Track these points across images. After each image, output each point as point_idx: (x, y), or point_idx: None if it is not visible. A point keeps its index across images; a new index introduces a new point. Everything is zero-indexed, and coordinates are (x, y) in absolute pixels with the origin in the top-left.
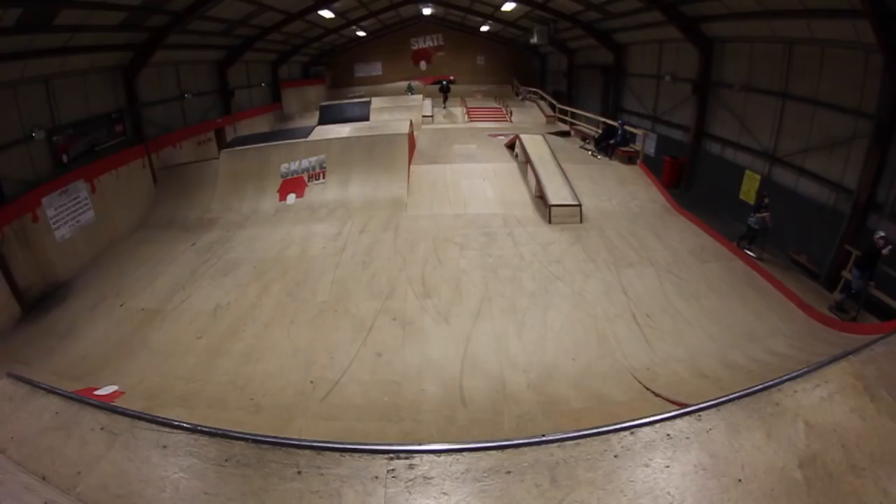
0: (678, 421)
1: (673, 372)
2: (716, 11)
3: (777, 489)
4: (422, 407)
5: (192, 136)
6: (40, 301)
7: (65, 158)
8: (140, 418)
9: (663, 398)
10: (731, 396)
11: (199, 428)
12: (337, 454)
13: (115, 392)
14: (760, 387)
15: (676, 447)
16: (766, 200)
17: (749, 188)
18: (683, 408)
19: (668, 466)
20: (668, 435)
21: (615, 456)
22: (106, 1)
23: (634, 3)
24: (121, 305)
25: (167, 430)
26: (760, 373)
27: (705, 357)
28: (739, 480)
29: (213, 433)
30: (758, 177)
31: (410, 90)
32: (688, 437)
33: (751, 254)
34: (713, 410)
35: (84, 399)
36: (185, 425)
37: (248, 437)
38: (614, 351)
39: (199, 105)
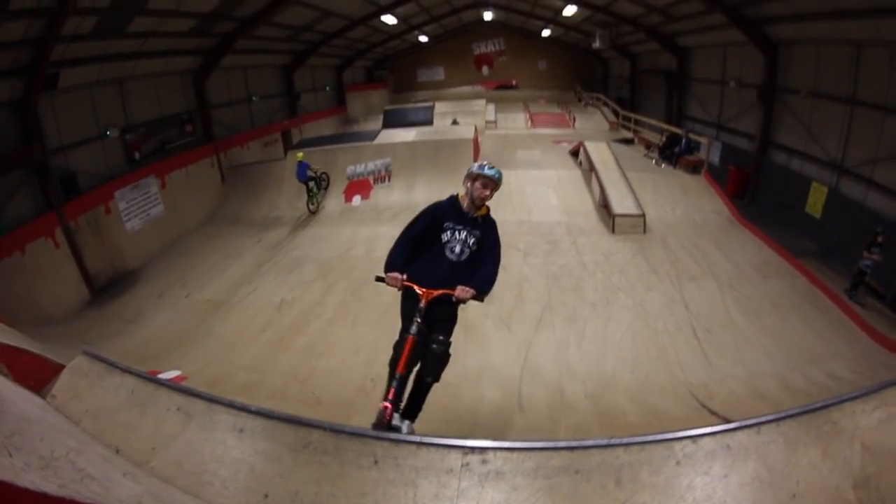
0: (738, 433)
1: (730, 390)
2: (780, 13)
3: None
4: (480, 410)
5: (259, 138)
6: (109, 287)
7: (137, 155)
8: (217, 402)
9: (720, 417)
10: (791, 412)
11: (276, 414)
12: (413, 446)
13: (177, 376)
14: (820, 405)
15: (735, 458)
16: (880, 239)
17: (815, 201)
18: None
19: (726, 476)
20: (728, 446)
21: (677, 463)
22: (177, 9)
23: (697, 6)
24: (186, 296)
25: (245, 414)
26: (819, 397)
27: (764, 377)
28: (794, 496)
29: (291, 420)
30: (825, 189)
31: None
32: (746, 450)
33: (861, 304)
34: (772, 425)
35: (160, 380)
36: (263, 411)
37: (326, 426)
38: (673, 365)
39: (265, 107)
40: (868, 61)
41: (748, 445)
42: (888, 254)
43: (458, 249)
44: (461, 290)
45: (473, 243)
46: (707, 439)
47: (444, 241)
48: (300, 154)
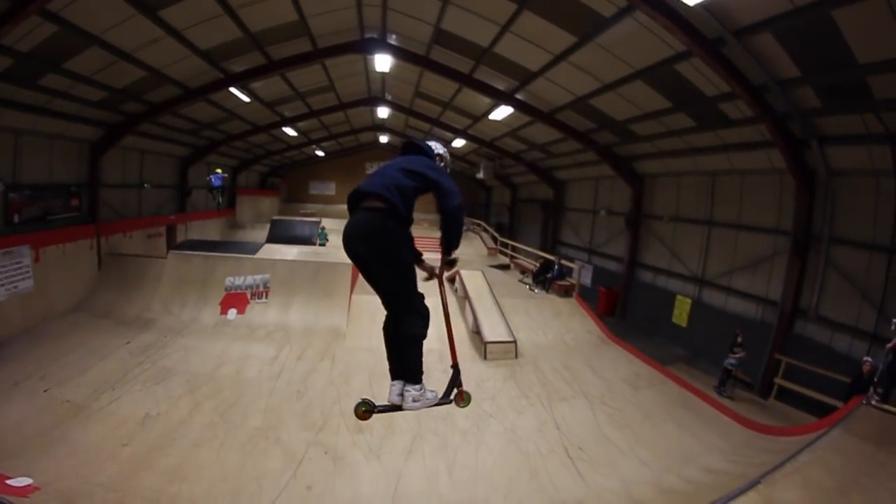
0: None
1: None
2: (646, 151)
3: None
4: None
5: (144, 228)
6: None
7: (16, 218)
8: None
9: None
10: None
11: None
12: None
13: (29, 486)
14: None
15: None
16: (740, 339)
17: (681, 311)
18: None
19: None
20: None
21: None
22: (91, 77)
23: (574, 145)
24: (45, 391)
25: None
26: (696, 493)
27: (639, 485)
28: None
29: None
30: (689, 300)
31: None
32: None
33: (730, 399)
34: None
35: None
36: None
37: None
38: (546, 486)
39: (156, 197)
40: (721, 187)
41: None
42: (750, 348)
43: None
44: None
45: None
46: None
47: None
48: (220, 169)
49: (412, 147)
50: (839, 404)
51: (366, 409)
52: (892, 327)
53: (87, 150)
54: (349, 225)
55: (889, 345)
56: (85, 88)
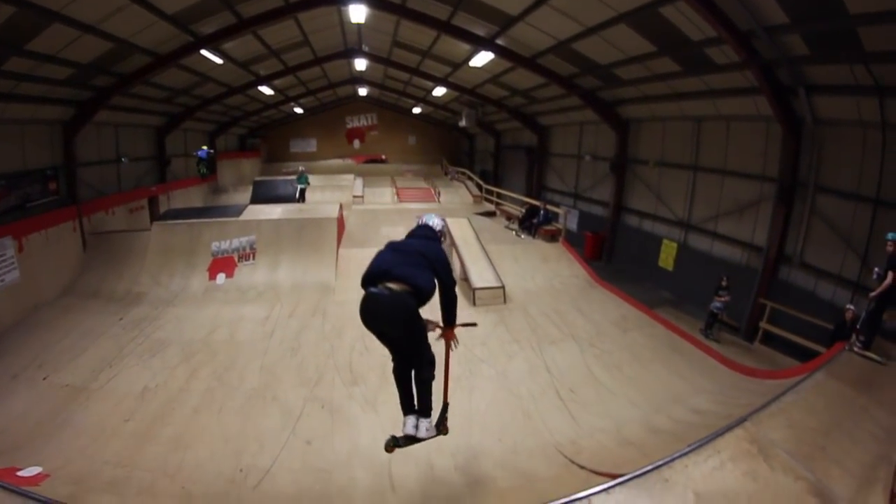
0: None
1: (598, 443)
2: (630, 95)
3: None
4: (353, 494)
5: (126, 203)
6: None
7: None
8: None
9: (588, 470)
10: (621, 479)
11: None
12: None
13: (39, 474)
14: (650, 467)
15: None
16: (725, 283)
17: (667, 255)
18: (608, 477)
19: None
20: None
21: None
22: (56, 55)
23: (556, 90)
24: (44, 378)
25: None
26: (685, 433)
27: (630, 424)
28: None
29: None
30: (675, 244)
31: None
32: None
33: (716, 342)
34: (603, 494)
35: (25, 492)
36: None
37: None
38: (539, 428)
39: (134, 170)
40: (707, 133)
41: None
42: (735, 292)
43: None
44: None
45: None
46: None
47: None
48: (205, 146)
49: (425, 228)
50: (822, 350)
51: (393, 445)
52: (874, 276)
53: (59, 132)
54: (371, 301)
55: (872, 293)
56: (51, 68)
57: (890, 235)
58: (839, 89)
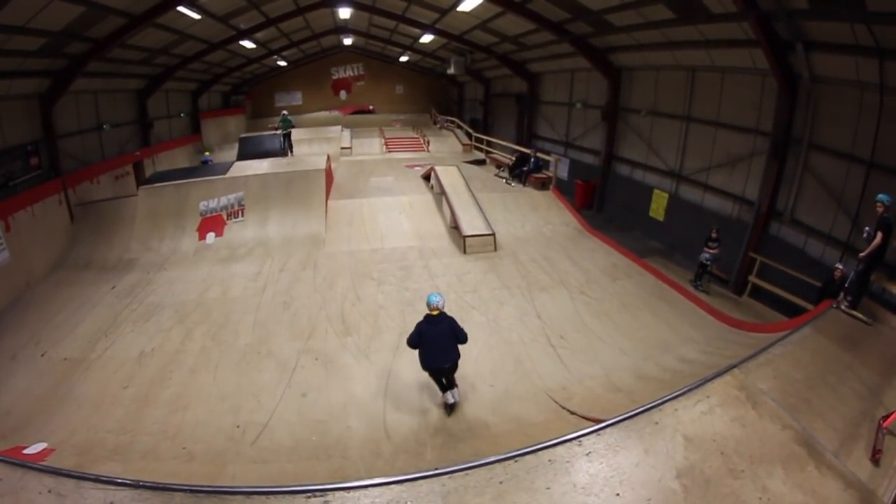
0: (559, 448)
1: (588, 389)
2: (623, 43)
3: (654, 499)
4: (349, 443)
5: (110, 171)
6: None
7: None
8: (85, 478)
9: (578, 415)
10: (612, 421)
11: (141, 483)
12: (264, 496)
13: (45, 450)
14: (640, 409)
15: (557, 471)
16: (716, 234)
17: (658, 206)
18: (596, 423)
19: (548, 488)
20: (550, 461)
21: (500, 482)
22: (25, 26)
23: (547, 36)
24: (42, 355)
25: (112, 487)
26: (672, 381)
27: (619, 371)
28: (617, 495)
29: (154, 487)
30: (666, 195)
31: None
32: (568, 462)
33: (705, 293)
34: (593, 436)
35: (28, 464)
36: (127, 482)
37: (185, 488)
38: (531, 374)
39: (117, 136)
40: (701, 84)
41: (569, 457)
42: (725, 245)
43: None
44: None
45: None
46: (529, 457)
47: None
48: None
49: (441, 317)
50: (809, 306)
51: (450, 413)
52: (864, 236)
53: (36, 105)
54: (437, 373)
55: (861, 254)
56: (22, 39)
57: (880, 196)
58: (838, 48)
